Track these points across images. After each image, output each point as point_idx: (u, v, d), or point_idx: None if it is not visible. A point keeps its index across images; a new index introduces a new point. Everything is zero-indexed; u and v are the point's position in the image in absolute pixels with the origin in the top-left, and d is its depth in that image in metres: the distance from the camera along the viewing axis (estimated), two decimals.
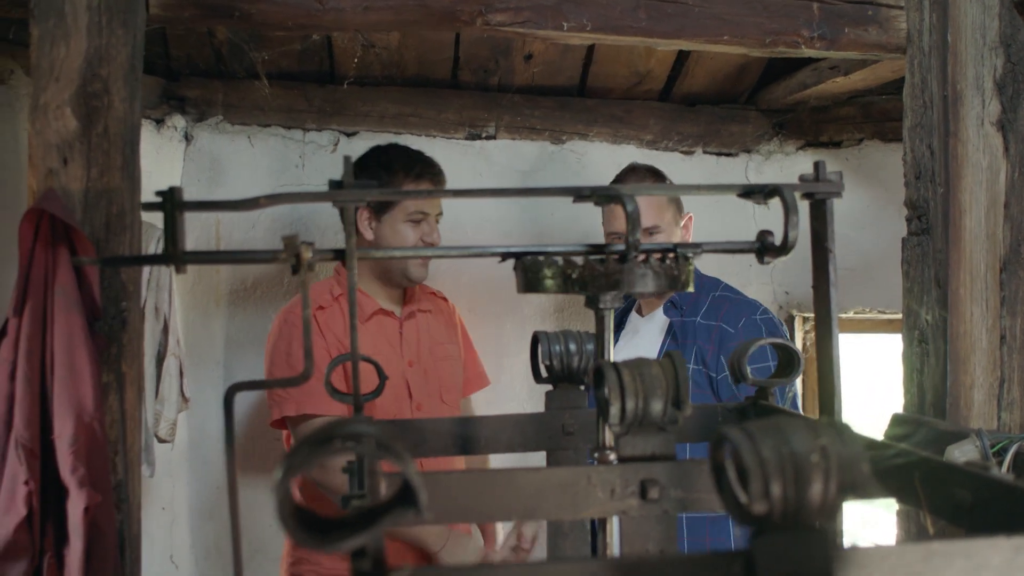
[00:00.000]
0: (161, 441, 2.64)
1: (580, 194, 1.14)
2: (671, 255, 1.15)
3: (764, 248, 1.19)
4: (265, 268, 3.07)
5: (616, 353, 2.63)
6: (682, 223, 2.60)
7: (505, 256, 1.19)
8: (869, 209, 3.29)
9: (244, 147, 3.11)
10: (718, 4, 2.07)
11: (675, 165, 3.36)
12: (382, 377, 1.42)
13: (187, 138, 3.06)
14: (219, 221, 3.05)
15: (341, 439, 0.66)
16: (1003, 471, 1.61)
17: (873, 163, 3.32)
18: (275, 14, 1.93)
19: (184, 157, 3.06)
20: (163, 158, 2.99)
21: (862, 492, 0.65)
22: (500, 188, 1.12)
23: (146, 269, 2.48)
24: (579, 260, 1.10)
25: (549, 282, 1.12)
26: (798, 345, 3.46)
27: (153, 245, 2.48)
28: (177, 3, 1.88)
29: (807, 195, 1.25)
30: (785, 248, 1.13)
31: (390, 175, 2.44)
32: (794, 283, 3.43)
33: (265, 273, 3.10)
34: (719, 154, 3.46)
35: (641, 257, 1.11)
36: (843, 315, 3.39)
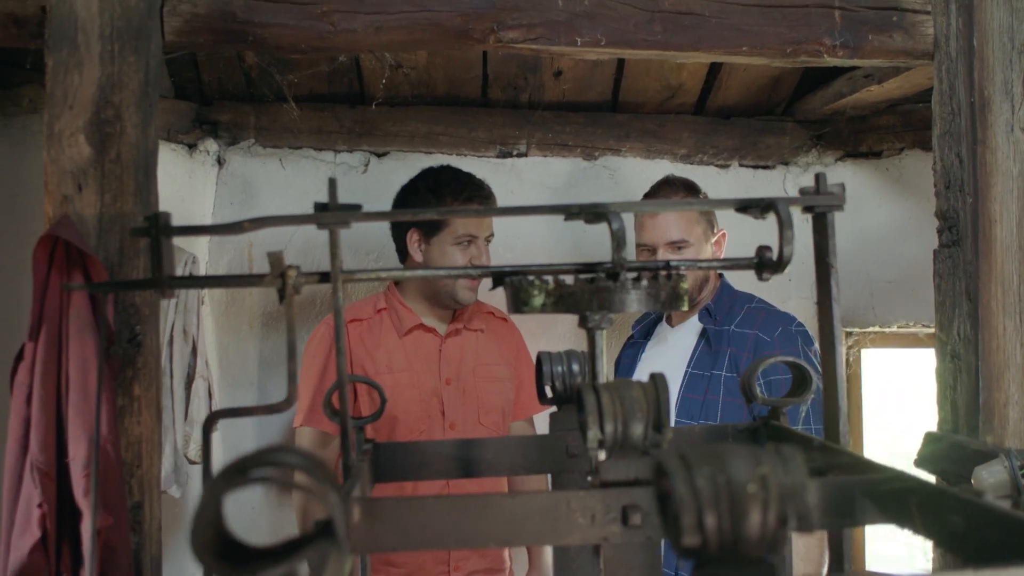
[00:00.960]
0: (192, 463, 2.65)
1: (570, 212, 1.12)
2: (663, 273, 1.12)
3: (762, 264, 1.15)
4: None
5: (650, 363, 2.63)
6: (713, 239, 2.56)
7: (495, 277, 1.17)
8: (912, 220, 3.20)
9: (276, 170, 3.14)
10: (736, 14, 2.03)
11: (710, 179, 3.30)
12: (382, 400, 1.41)
13: (219, 162, 3.10)
14: (251, 243, 3.08)
15: (257, 469, 0.64)
16: None
17: (914, 173, 3.23)
18: (288, 37, 1.94)
19: (217, 181, 3.09)
20: (196, 182, 3.03)
21: (806, 523, 0.61)
22: (489, 208, 1.11)
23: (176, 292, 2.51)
24: (569, 279, 1.08)
25: (538, 302, 1.09)
26: (841, 359, 3.38)
27: (181, 268, 2.51)
28: (191, 29, 1.90)
29: (807, 208, 1.21)
30: (781, 264, 1.10)
31: (439, 199, 2.44)
32: None
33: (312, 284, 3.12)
34: (756, 167, 3.40)
35: (634, 275, 1.08)
36: (887, 329, 3.30)
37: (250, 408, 1.12)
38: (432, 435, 2.48)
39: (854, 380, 3.41)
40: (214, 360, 2.97)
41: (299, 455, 0.65)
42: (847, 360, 3.43)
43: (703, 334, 2.53)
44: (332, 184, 1.07)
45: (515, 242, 3.18)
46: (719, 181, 3.35)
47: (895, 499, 0.99)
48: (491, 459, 1.45)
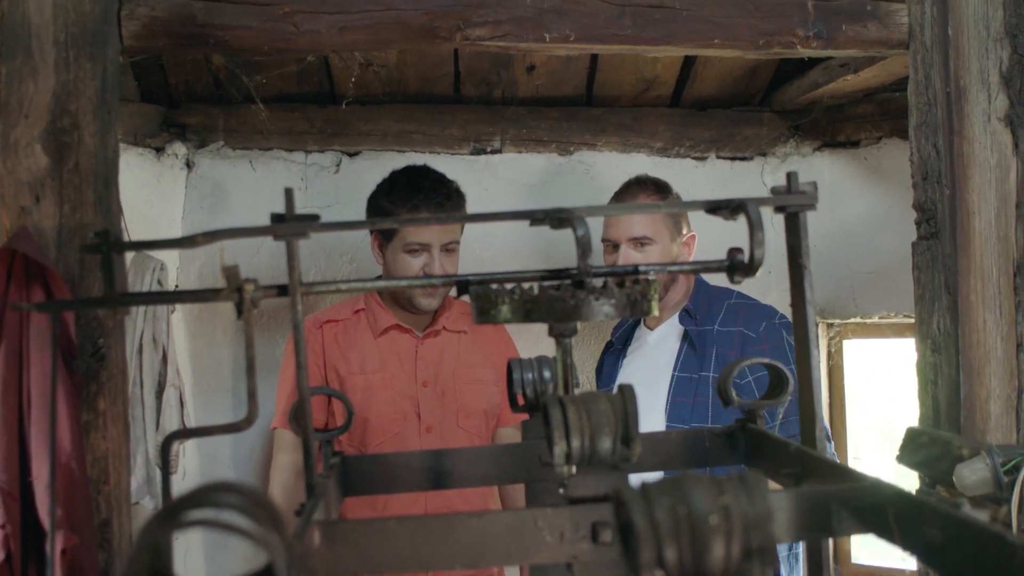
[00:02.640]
0: None
1: (534, 217, 1.08)
2: (631, 279, 1.08)
3: (733, 266, 1.12)
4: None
5: (631, 369, 2.59)
6: (682, 239, 2.51)
7: (459, 285, 1.14)
8: (892, 209, 3.18)
9: (246, 172, 3.09)
10: (707, 7, 1.99)
11: (687, 172, 3.27)
12: (349, 412, 1.38)
13: (188, 165, 3.04)
14: (223, 248, 3.02)
15: (197, 510, 0.60)
16: (1016, 491, 1.51)
17: (893, 162, 3.21)
18: (250, 39, 1.90)
19: (186, 184, 3.04)
20: (164, 186, 2.98)
21: (768, 556, 0.58)
22: (451, 215, 1.07)
23: None
24: (533, 287, 1.04)
25: (504, 312, 1.06)
26: (822, 351, 3.36)
27: (149, 276, 2.46)
28: (150, 33, 1.85)
29: (779, 208, 1.18)
30: (753, 267, 1.07)
31: (393, 207, 2.37)
32: (816, 288, 3.32)
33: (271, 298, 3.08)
34: (733, 159, 3.37)
35: (600, 282, 1.05)
36: (868, 320, 3.28)
37: (208, 428, 1.08)
38: (406, 438, 2.43)
39: (836, 371, 3.39)
40: (187, 367, 2.92)
41: (239, 494, 0.61)
42: (829, 351, 3.41)
43: (685, 336, 2.49)
44: (289, 194, 1.03)
45: (492, 240, 3.14)
46: (696, 174, 3.32)
47: (872, 509, 0.97)
48: (463, 470, 1.41)
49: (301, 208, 2.98)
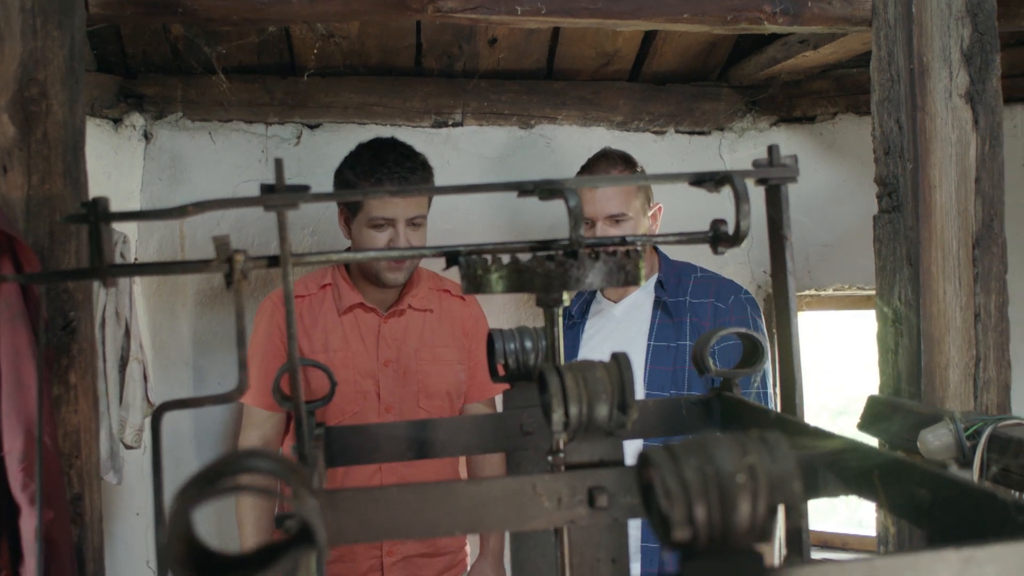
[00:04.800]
0: (128, 447, 2.58)
1: (523, 189, 1.09)
2: (621, 248, 1.10)
3: (717, 237, 1.15)
4: None
5: (595, 342, 2.61)
6: (651, 212, 2.56)
7: (448, 256, 1.14)
8: (846, 184, 3.24)
9: (206, 143, 3.04)
10: None
11: (647, 146, 3.30)
12: (332, 383, 1.38)
13: (146, 136, 2.99)
14: (182, 221, 2.99)
15: (233, 476, 0.61)
16: (977, 455, 1.57)
17: (848, 137, 3.27)
18: (219, 8, 1.88)
19: (144, 156, 2.99)
20: (122, 158, 2.93)
21: (795, 512, 0.60)
22: (441, 186, 1.07)
23: None
24: (526, 257, 1.05)
25: (496, 282, 1.07)
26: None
27: (117, 249, 2.41)
28: (117, 1, 1.82)
29: (761, 181, 1.21)
30: (738, 238, 1.09)
31: (357, 179, 2.36)
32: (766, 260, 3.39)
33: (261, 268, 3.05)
34: (691, 133, 3.41)
35: (589, 251, 1.07)
36: (823, 292, 3.35)
37: (200, 399, 1.08)
38: (365, 417, 2.42)
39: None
40: (147, 341, 2.89)
41: (272, 460, 0.62)
42: None
43: (659, 305, 2.53)
44: (279, 165, 1.03)
45: (454, 213, 3.14)
46: (656, 148, 3.35)
47: (857, 471, 1.00)
48: (445, 440, 1.43)
49: (261, 180, 2.95)
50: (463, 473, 2.78)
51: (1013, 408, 1.95)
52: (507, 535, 2.63)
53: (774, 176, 1.21)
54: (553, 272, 1.03)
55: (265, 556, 0.61)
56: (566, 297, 1.08)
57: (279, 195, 1.03)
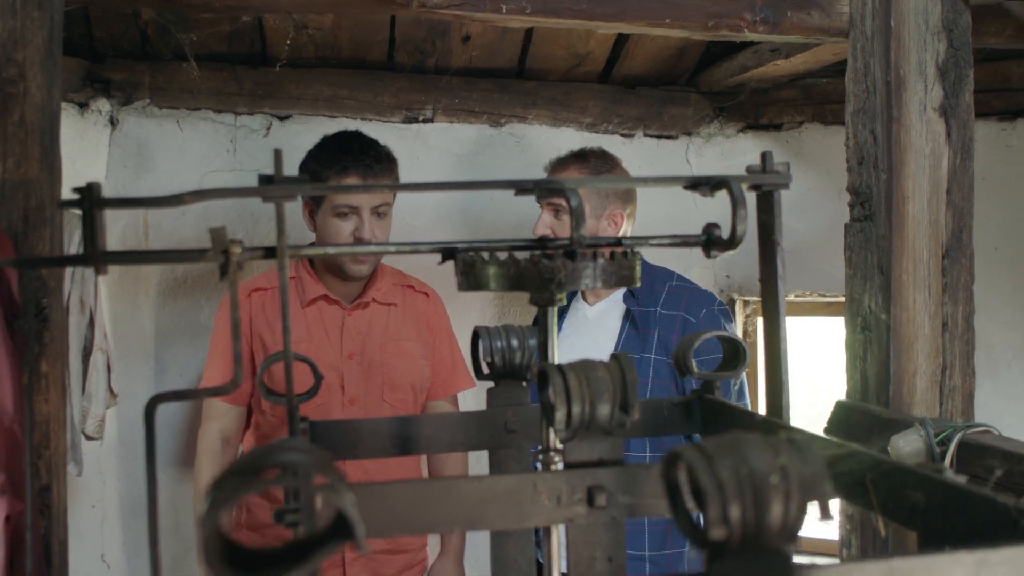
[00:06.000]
0: (89, 439, 2.54)
1: (522, 187, 1.10)
2: (619, 250, 1.11)
3: (711, 241, 1.16)
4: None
5: (569, 343, 2.61)
6: (605, 213, 2.53)
7: (444, 252, 1.14)
8: (809, 192, 3.29)
9: (173, 132, 3.00)
10: None
11: (615, 149, 3.29)
12: (317, 377, 1.37)
13: (112, 123, 2.94)
14: (147, 210, 2.94)
15: (272, 469, 0.60)
16: (947, 461, 1.60)
17: (813, 146, 3.32)
18: None
19: (110, 142, 2.94)
20: (87, 144, 2.87)
21: (826, 513, 0.62)
22: (443, 182, 1.07)
23: None
24: (522, 256, 1.06)
25: (492, 280, 1.07)
26: (739, 329, 3.47)
27: (77, 237, 2.37)
28: None
29: (754, 187, 1.22)
30: (733, 242, 1.10)
31: (321, 169, 2.34)
32: (735, 266, 3.43)
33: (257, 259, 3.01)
34: (659, 136, 3.44)
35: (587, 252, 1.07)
36: (785, 299, 3.39)
37: (194, 391, 1.07)
38: (329, 410, 2.40)
39: (751, 349, 3.50)
40: (108, 332, 2.84)
41: (307, 453, 0.62)
42: (744, 330, 3.51)
43: (627, 316, 2.53)
44: (278, 156, 1.02)
45: (422, 209, 3.14)
46: (624, 151, 3.36)
47: (848, 474, 1.02)
48: (430, 436, 1.42)
49: (228, 171, 2.92)
50: (424, 472, 2.77)
51: (975, 415, 1.99)
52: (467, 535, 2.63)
53: (767, 182, 1.23)
54: (552, 272, 1.03)
55: (297, 551, 0.61)
56: (561, 297, 1.08)
57: (278, 186, 1.02)
